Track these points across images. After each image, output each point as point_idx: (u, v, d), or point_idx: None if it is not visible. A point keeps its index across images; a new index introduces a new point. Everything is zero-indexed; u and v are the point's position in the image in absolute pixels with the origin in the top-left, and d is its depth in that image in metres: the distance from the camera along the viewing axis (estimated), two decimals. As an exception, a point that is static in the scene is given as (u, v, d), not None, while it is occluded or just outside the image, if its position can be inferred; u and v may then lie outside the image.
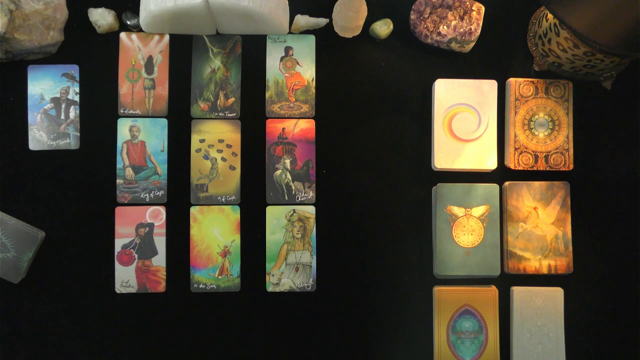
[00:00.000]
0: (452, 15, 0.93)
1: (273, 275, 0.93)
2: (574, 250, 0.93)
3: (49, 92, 0.93)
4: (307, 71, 0.96)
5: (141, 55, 0.94)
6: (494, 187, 0.93)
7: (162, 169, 0.94)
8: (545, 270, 0.92)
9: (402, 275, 0.94)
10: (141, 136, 0.94)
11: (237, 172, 0.94)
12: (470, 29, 0.93)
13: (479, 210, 0.93)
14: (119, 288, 0.92)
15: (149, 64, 0.94)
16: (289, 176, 0.94)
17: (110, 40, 0.94)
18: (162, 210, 0.93)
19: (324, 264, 0.94)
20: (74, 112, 0.93)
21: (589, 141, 0.96)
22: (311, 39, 0.96)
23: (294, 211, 0.94)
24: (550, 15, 0.90)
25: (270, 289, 0.93)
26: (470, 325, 0.92)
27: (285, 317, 0.93)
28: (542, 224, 0.93)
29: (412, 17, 0.94)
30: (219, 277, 0.93)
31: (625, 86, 0.96)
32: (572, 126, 0.94)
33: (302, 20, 0.94)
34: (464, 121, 0.94)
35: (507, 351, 0.93)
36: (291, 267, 0.93)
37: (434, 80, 0.94)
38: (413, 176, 0.95)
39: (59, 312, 0.92)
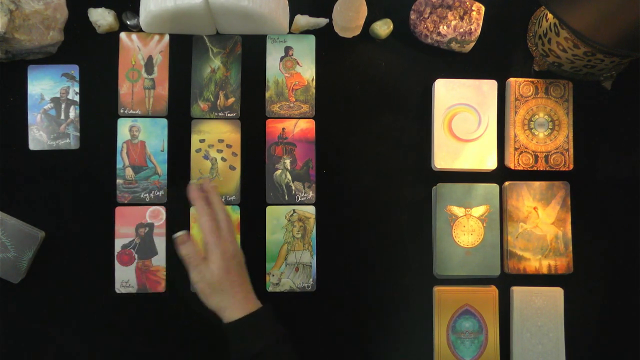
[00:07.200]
0: (452, 15, 0.93)
1: (273, 275, 0.93)
2: (574, 250, 0.93)
3: (49, 92, 0.93)
4: (307, 71, 0.96)
5: (141, 55, 0.94)
6: (494, 187, 0.93)
7: (162, 169, 0.94)
8: (545, 270, 0.92)
9: (402, 275, 0.94)
10: (141, 136, 0.94)
11: (237, 172, 0.94)
12: (470, 29, 0.93)
13: (479, 210, 0.93)
14: (119, 288, 0.92)
15: (149, 64, 0.94)
16: (289, 176, 0.94)
17: (110, 40, 0.94)
18: (162, 210, 0.93)
19: (324, 264, 0.94)
20: (74, 112, 0.93)
21: (589, 141, 0.96)
22: (311, 39, 0.96)
23: (294, 211, 0.94)
24: (550, 15, 0.90)
25: (270, 289, 0.93)
26: (470, 325, 0.92)
27: (285, 317, 0.93)
28: (542, 224, 0.93)
29: (412, 17, 0.94)
30: (219, 277, 0.92)
31: (625, 86, 0.96)
32: (572, 126, 0.94)
33: (302, 20, 0.94)
34: (464, 121, 0.94)
35: (507, 351, 0.93)
36: (291, 267, 0.93)
37: (434, 80, 0.94)
38: (413, 176, 0.95)
39: (59, 312, 0.92)
